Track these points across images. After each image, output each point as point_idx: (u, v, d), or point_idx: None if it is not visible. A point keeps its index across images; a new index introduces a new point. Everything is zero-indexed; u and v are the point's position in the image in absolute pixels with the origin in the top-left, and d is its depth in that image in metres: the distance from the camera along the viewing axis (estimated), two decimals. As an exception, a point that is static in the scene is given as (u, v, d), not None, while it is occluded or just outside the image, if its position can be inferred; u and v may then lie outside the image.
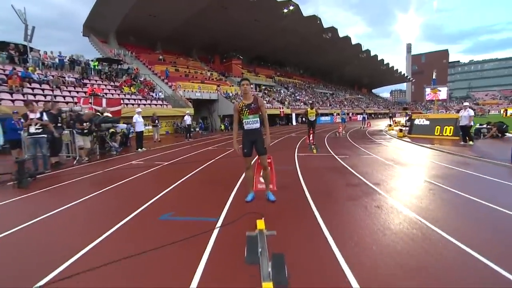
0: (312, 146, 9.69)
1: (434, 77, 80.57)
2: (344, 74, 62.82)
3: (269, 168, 4.15)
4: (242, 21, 33.44)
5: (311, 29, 37.93)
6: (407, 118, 23.70)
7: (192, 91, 26.55)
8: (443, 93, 73.44)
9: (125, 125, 12.03)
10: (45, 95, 14.55)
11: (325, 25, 38.31)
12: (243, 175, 5.21)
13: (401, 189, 4.58)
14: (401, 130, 14.26)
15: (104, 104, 16.19)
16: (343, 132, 18.46)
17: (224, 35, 36.57)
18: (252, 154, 3.97)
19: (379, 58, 56.52)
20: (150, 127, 18.29)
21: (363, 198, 4.05)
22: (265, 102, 32.31)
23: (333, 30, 39.65)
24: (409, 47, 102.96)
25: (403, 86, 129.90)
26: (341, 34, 42.08)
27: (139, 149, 10.68)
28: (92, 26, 29.96)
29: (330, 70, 58.42)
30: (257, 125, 3.87)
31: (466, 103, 10.87)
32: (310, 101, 13.42)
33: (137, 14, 27.93)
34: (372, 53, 52.91)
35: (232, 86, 32.64)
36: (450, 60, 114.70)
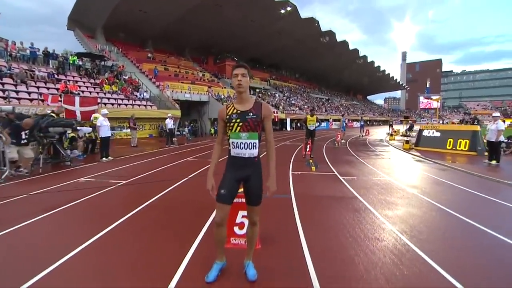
0: (311, 162, 8.02)
1: (428, 86, 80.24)
2: (340, 80, 61.73)
3: (258, 225, 2.33)
4: (237, 21, 31.84)
5: (309, 31, 36.56)
6: (408, 127, 22.36)
7: (181, 92, 24.72)
8: (436, 102, 71.76)
9: (89, 129, 10.16)
10: (4, 90, 12.57)
11: (323, 29, 36.99)
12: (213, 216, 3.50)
13: (475, 262, 2.66)
14: (407, 142, 12.71)
15: (77, 103, 14.33)
16: (342, 141, 16.90)
17: (218, 35, 34.91)
18: (232, 200, 2.28)
19: (375, 65, 55.57)
20: (129, 130, 16.46)
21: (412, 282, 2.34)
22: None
23: (330, 34, 38.38)
24: (404, 55, 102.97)
25: (397, 93, 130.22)
26: (338, 39, 40.87)
27: (103, 158, 8.85)
28: (78, 20, 27.97)
29: (326, 75, 57.22)
30: (254, 152, 2.29)
31: (497, 114, 9.08)
32: (310, 107, 11.72)
33: (126, 9, 26.07)
34: (369, 60, 51.91)
35: (225, 88, 30.91)
36: (443, 69, 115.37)
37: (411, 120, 24.38)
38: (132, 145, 13.53)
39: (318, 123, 9.68)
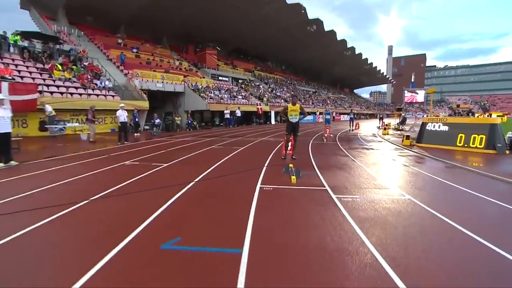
0: (291, 167, 5.62)
1: (412, 80, 79.91)
2: (328, 72, 59.65)
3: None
4: (220, 7, 28.84)
5: (295, 20, 33.96)
6: (401, 120, 20.42)
7: (153, 81, 21.79)
8: (420, 96, 72.44)
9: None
10: None
11: (310, 17, 34.46)
12: None
13: None
14: (407, 137, 10.54)
15: (5, 90, 11.39)
16: (331, 135, 14.65)
17: (199, 23, 31.78)
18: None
19: (362, 57, 53.72)
20: (79, 124, 13.69)
21: None
22: (240, 97, 28.08)
23: (318, 22, 35.92)
24: (390, 49, 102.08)
25: (382, 88, 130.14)
26: (326, 29, 38.46)
27: (1, 163, 6.14)
28: (34, -2, 24.22)
29: (313, 68, 54.94)
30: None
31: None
32: (291, 94, 9.18)
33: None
34: (356, 52, 49.94)
35: (204, 77, 28.07)
36: (427, 65, 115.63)
37: (405, 113, 22.50)
38: (91, 140, 11.09)
39: (302, 115, 7.30)
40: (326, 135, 14.57)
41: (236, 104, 23.98)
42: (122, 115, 11.00)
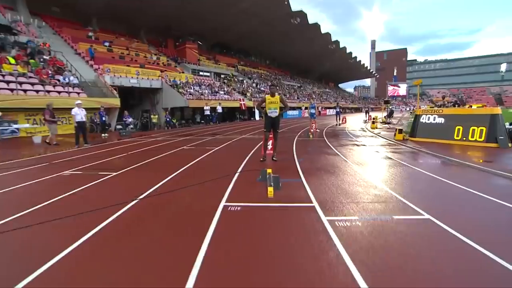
0: (269, 173, 4.39)
1: (395, 74, 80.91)
2: (312, 67, 58.87)
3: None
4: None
5: (278, 12, 32.64)
6: (388, 113, 19.71)
7: (126, 76, 19.99)
8: (402, 89, 73.34)
9: None
10: None
11: (293, 9, 33.24)
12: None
13: None
14: (400, 131, 9.59)
15: None
16: (317, 130, 13.60)
17: (178, 15, 29.87)
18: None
19: (347, 51, 53.20)
20: (36, 125, 12.03)
21: None
22: (222, 93, 26.60)
23: (301, 15, 34.75)
24: (373, 44, 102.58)
25: (365, 82, 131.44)
26: (310, 21, 37.39)
27: None
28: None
29: (297, 62, 53.94)
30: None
31: None
32: (270, 84, 7.65)
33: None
34: (341, 46, 49.29)
35: (183, 72, 26.42)
36: (407, 59, 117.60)
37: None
38: (54, 143, 9.45)
39: (284, 108, 6.14)
40: (312, 130, 13.53)
41: (217, 100, 22.54)
42: (79, 114, 9.46)
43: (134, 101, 24.23)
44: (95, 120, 14.81)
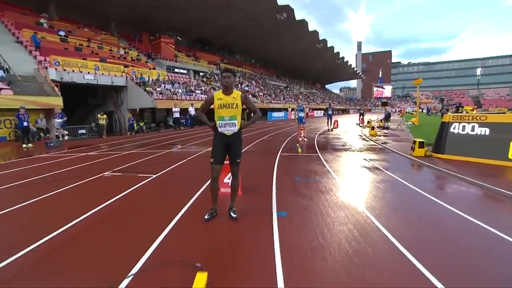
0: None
1: (380, 76, 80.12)
2: (299, 66, 56.41)
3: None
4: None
5: (263, 6, 29.80)
6: (385, 116, 17.23)
7: (81, 71, 16.52)
8: (387, 91, 72.43)
9: None
10: None
11: (279, 2, 30.49)
12: None
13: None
14: (422, 145, 6.89)
15: None
16: (305, 139, 10.80)
17: (154, 6, 26.49)
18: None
19: (334, 51, 51.06)
20: None
21: None
22: (198, 92, 23.39)
23: (288, 10, 32.03)
24: (359, 45, 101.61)
25: (351, 83, 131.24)
26: (297, 18, 34.78)
27: None
28: None
29: (284, 61, 51.30)
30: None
31: None
32: (222, 69, 4.79)
33: None
34: (329, 45, 47.05)
35: (154, 69, 23.07)
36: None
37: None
38: None
39: (254, 116, 3.22)
40: (300, 138, 10.72)
41: (190, 101, 19.37)
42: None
43: (96, 100, 20.70)
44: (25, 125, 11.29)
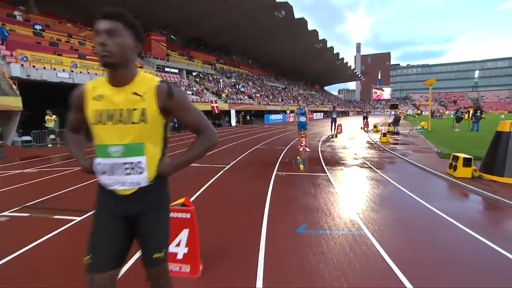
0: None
1: (379, 77, 79.24)
2: (298, 67, 54.61)
3: None
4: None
5: (260, 2, 28.01)
6: (394, 119, 15.39)
7: (53, 68, 14.60)
8: (386, 93, 71.31)
9: None
10: None
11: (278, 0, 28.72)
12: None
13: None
14: (467, 163, 5.00)
15: None
16: (307, 149, 8.93)
17: (146, 2, 24.68)
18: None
19: (334, 51, 49.38)
20: None
21: None
22: (189, 93, 21.38)
23: (287, 7, 30.25)
24: (358, 47, 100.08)
25: (349, 85, 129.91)
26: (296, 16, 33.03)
27: None
28: None
29: (282, 62, 49.48)
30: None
31: None
32: (99, 17, 0.87)
33: None
34: (328, 45, 45.36)
35: (141, 67, 21.13)
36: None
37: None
38: None
39: (199, 137, 1.26)
40: (301, 147, 8.86)
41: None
42: None
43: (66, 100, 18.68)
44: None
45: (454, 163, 5.26)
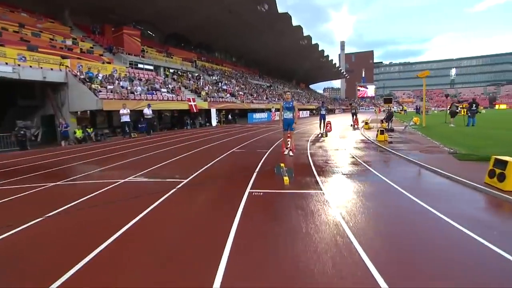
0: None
1: (363, 75, 79.49)
2: (283, 65, 53.08)
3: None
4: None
5: (242, -5, 26.20)
6: (387, 115, 14.01)
7: (-5, 62, 12.21)
8: (370, 90, 71.37)
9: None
10: None
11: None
12: None
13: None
14: (495, 175, 3.45)
15: None
16: (290, 153, 7.21)
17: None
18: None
19: (319, 49, 48.22)
20: None
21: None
22: (164, 91, 19.17)
23: (270, 0, 28.55)
24: (342, 45, 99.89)
25: (334, 84, 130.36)
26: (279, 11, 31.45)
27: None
28: None
29: (267, 60, 47.80)
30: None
31: None
32: None
33: None
34: (313, 42, 44.10)
35: (109, 63, 18.84)
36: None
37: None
38: None
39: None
40: (286, 151, 7.16)
41: (148, 101, 15.30)
42: None
43: (30, 101, 16.21)
44: None
45: (499, 170, 3.70)
